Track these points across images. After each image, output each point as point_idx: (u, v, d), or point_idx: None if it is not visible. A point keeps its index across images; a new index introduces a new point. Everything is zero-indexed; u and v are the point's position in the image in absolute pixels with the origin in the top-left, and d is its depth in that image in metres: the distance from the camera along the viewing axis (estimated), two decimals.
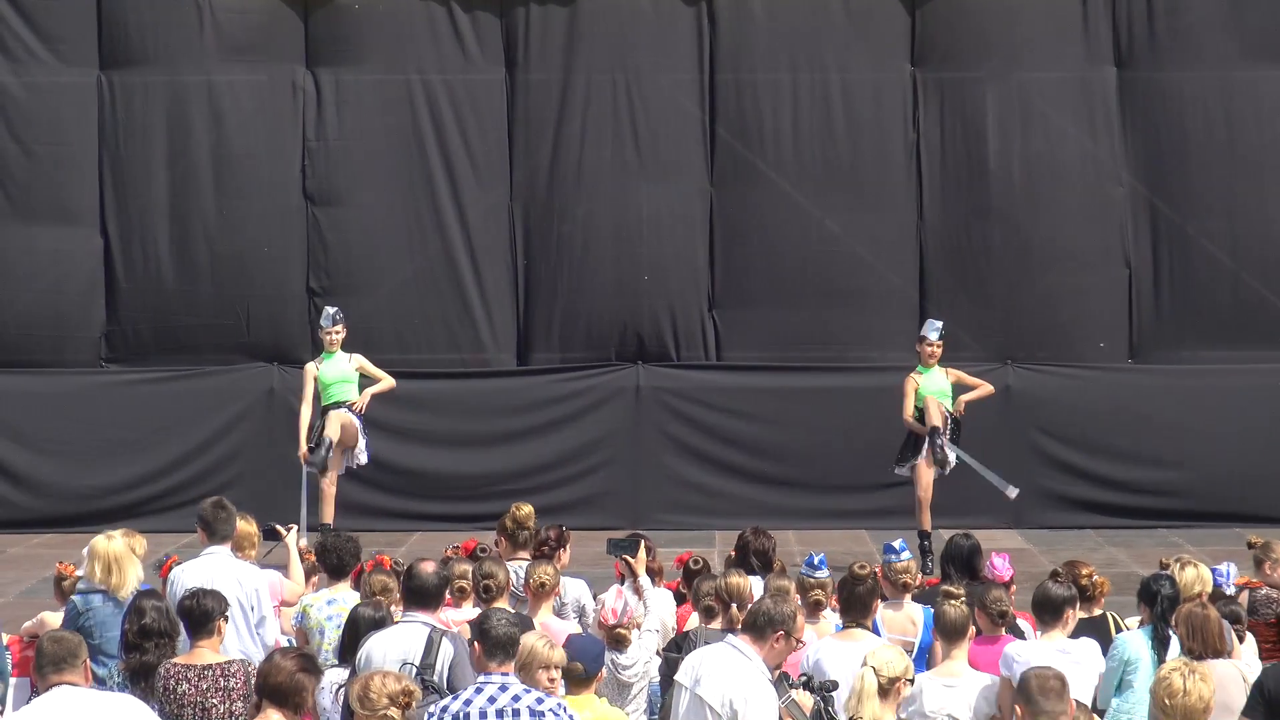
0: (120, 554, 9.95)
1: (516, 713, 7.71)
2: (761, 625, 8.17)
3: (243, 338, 18.06)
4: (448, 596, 9.85)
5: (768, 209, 18.08)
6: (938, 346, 15.56)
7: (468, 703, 7.77)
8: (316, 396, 15.61)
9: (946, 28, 18.09)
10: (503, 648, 7.91)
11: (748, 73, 18.10)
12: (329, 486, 15.42)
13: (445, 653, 8.43)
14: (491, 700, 7.74)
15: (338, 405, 15.47)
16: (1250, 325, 17.90)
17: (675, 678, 8.27)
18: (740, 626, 8.53)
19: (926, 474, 15.35)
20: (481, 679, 7.90)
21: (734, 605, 9.77)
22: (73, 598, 10.13)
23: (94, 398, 17.98)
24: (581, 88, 18.13)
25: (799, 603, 10.00)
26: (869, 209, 18.08)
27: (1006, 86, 18.01)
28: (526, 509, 11.59)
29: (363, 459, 15.72)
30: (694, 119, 18.15)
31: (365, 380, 15.78)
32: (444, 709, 7.81)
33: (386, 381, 15.85)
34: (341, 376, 15.59)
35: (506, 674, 7.90)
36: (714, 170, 18.20)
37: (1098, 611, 10.31)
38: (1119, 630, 10.03)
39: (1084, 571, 10.33)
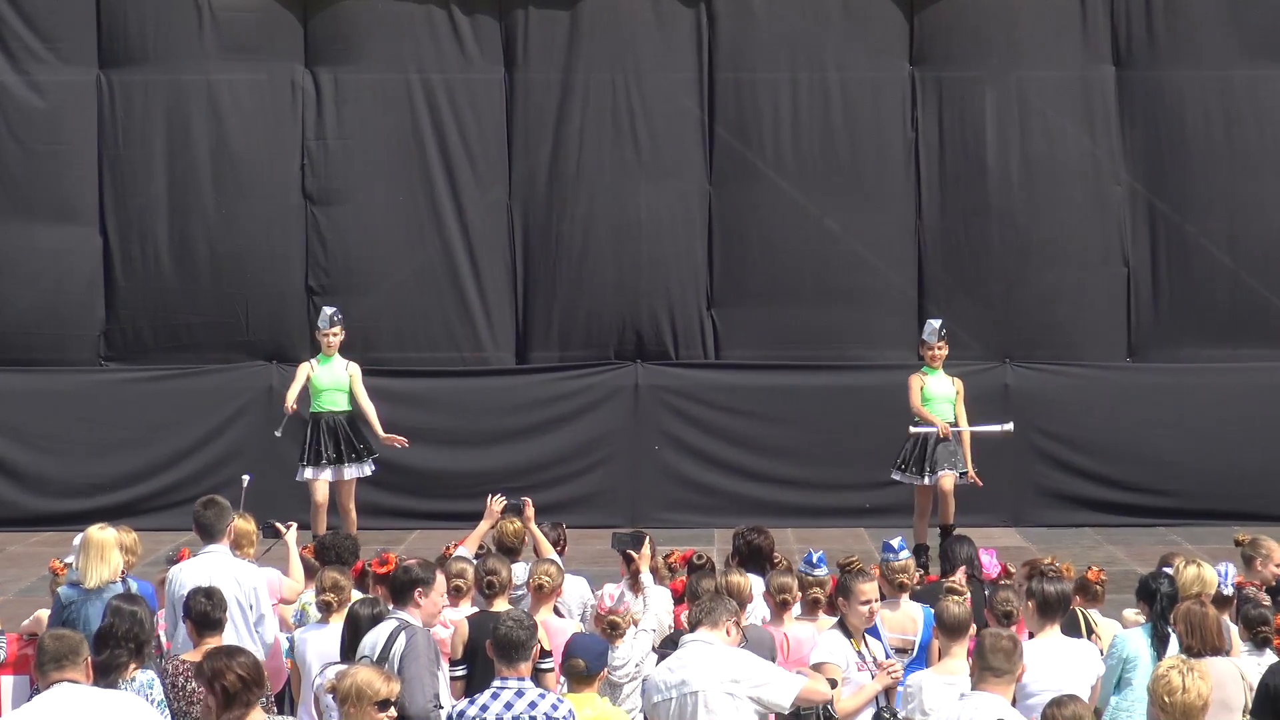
0: (103, 543, 9.89)
1: (534, 719, 7.68)
2: (717, 614, 8.20)
3: (242, 336, 18.06)
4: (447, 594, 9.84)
5: (767, 208, 18.08)
6: (939, 349, 15.49)
7: (484, 708, 7.72)
8: (304, 394, 15.57)
9: (945, 27, 18.09)
10: (506, 651, 7.86)
11: (747, 72, 18.10)
12: (321, 499, 15.39)
13: (398, 646, 8.39)
14: (508, 706, 7.70)
15: (328, 413, 15.42)
16: (1249, 324, 17.90)
17: (655, 700, 8.16)
18: (690, 627, 8.48)
19: (927, 490, 15.22)
20: (497, 683, 7.86)
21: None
22: (59, 590, 10.11)
23: (93, 396, 17.98)
24: (581, 87, 18.13)
25: (801, 598, 10.07)
26: (868, 208, 18.07)
27: (1005, 86, 18.02)
28: (514, 525, 11.56)
29: (367, 470, 15.68)
30: (693, 118, 18.15)
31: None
32: (460, 713, 7.78)
33: (371, 413, 15.52)
34: (335, 384, 15.51)
35: (522, 678, 7.86)
36: (713, 169, 18.19)
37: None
38: (1089, 627, 10.06)
39: (1063, 567, 10.34)
